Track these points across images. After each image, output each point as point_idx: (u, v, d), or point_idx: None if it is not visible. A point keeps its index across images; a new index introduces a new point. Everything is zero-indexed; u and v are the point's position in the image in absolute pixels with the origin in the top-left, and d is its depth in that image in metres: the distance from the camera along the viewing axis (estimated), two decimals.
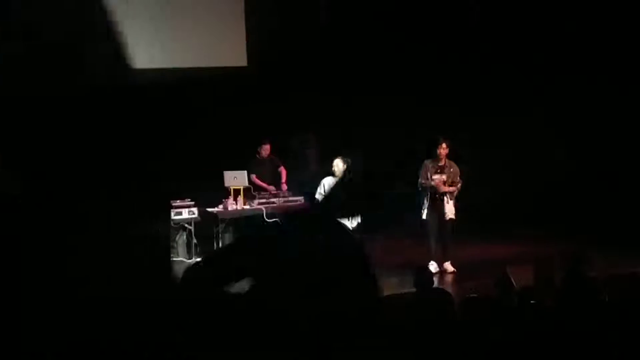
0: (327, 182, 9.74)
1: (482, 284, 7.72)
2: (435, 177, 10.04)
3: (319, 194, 9.66)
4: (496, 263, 8.82)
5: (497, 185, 12.48)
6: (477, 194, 11.98)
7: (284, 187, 12.30)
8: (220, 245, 11.68)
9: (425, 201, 10.09)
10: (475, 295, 5.03)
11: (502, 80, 12.88)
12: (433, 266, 10.08)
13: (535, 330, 3.79)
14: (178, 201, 11.57)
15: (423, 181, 10.05)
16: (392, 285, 9.40)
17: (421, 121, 12.71)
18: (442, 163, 10.06)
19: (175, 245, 11.58)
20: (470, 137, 12.32)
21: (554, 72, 12.56)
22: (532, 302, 4.83)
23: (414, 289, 9.36)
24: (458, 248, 11.17)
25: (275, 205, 11.87)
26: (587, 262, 6.20)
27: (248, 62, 13.91)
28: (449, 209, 10.11)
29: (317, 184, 10.36)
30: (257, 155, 12.33)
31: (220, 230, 11.68)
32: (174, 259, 11.42)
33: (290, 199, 12.06)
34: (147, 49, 13.61)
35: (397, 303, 5.84)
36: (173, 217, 11.41)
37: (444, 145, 10.02)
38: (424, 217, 10.14)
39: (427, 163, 10.11)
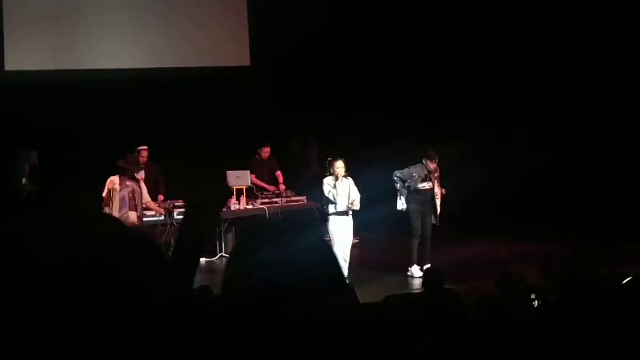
0: (329, 182, 9.81)
1: (483, 284, 7.74)
2: (422, 185, 10.19)
3: (328, 193, 9.74)
4: (497, 262, 8.84)
5: (498, 184, 12.49)
6: (476, 192, 12.01)
7: (282, 187, 12.36)
8: (222, 244, 11.73)
9: (403, 198, 10.25)
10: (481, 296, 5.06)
11: (500, 80, 12.90)
12: (416, 269, 10.14)
13: (537, 330, 3.82)
14: (181, 201, 11.58)
15: (407, 186, 10.21)
16: (393, 285, 9.45)
17: (420, 123, 12.75)
18: (427, 170, 10.21)
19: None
20: (468, 138, 12.35)
21: (550, 71, 12.58)
22: (534, 302, 4.86)
23: (414, 289, 9.53)
24: (458, 247, 11.20)
25: (277, 205, 11.91)
26: (587, 262, 6.23)
27: (251, 62, 13.94)
28: (436, 215, 10.29)
29: (316, 184, 10.47)
30: (257, 156, 12.38)
31: (222, 230, 11.70)
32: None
33: (293, 198, 12.11)
34: (151, 48, 13.64)
35: (401, 303, 5.87)
36: (176, 216, 11.42)
37: (436, 160, 10.17)
38: (399, 207, 10.29)
39: (414, 169, 10.22)
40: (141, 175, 10.49)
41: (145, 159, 11.55)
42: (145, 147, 11.62)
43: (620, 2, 12.07)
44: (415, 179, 10.16)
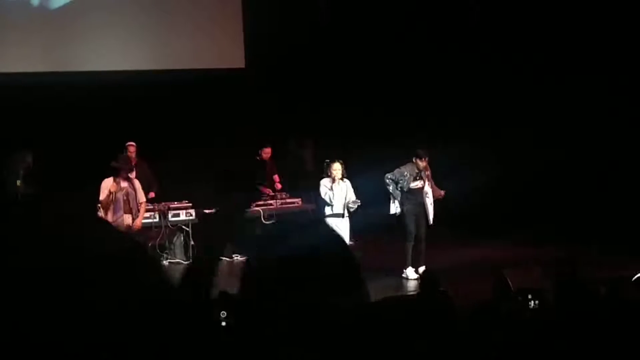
0: (325, 184, 9.84)
1: (479, 287, 7.72)
2: (414, 184, 10.15)
3: (325, 195, 9.77)
4: (492, 265, 8.83)
5: (493, 187, 12.50)
6: (471, 195, 12.01)
7: (279, 186, 12.28)
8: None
9: (397, 202, 10.21)
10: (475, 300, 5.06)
11: (498, 83, 12.91)
12: (411, 271, 10.12)
13: (533, 333, 3.82)
14: (175, 203, 11.57)
15: (400, 187, 10.17)
16: (388, 288, 9.44)
17: (417, 126, 12.75)
18: (418, 169, 10.18)
19: (172, 246, 11.58)
20: (467, 140, 12.35)
21: (546, 71, 12.59)
22: (530, 304, 4.85)
23: (409, 292, 9.53)
24: (454, 251, 11.20)
25: (272, 207, 11.90)
26: (580, 266, 6.23)
27: (246, 64, 13.93)
28: (431, 214, 10.24)
29: (311, 185, 10.48)
30: (258, 157, 12.34)
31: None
32: (171, 260, 11.43)
33: (288, 200, 12.09)
34: (146, 51, 13.62)
35: (395, 305, 5.85)
36: (170, 218, 11.41)
37: (426, 159, 10.13)
38: (392, 211, 10.26)
39: (405, 168, 10.18)
40: (132, 175, 10.43)
41: (133, 154, 11.47)
42: (132, 143, 11.57)
43: (616, 2, 12.07)
44: (407, 178, 10.12)
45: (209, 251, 1.92)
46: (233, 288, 1.78)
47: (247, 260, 1.59)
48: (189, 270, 1.81)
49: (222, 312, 3.45)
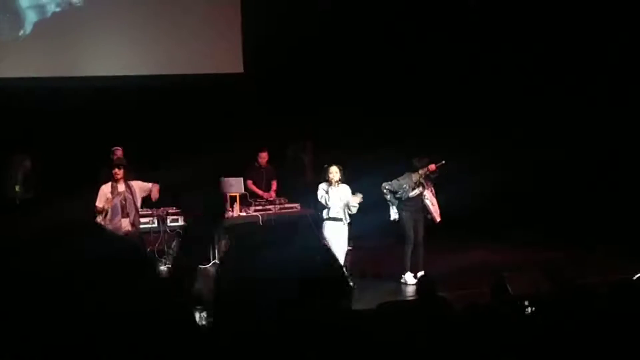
0: (323, 187, 9.85)
1: (477, 291, 7.73)
2: (413, 193, 10.15)
3: (321, 198, 9.78)
4: (491, 269, 8.83)
5: (492, 189, 12.50)
6: (470, 199, 12.01)
7: (273, 194, 12.29)
8: (216, 251, 11.71)
9: (395, 207, 10.23)
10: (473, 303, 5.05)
11: (498, 85, 12.93)
12: (410, 276, 10.14)
13: (531, 336, 3.82)
14: (174, 208, 11.56)
15: (398, 197, 10.19)
16: (387, 293, 9.44)
17: (417, 128, 12.75)
18: (416, 179, 10.17)
19: (171, 252, 11.57)
20: (466, 144, 12.36)
21: (546, 72, 12.61)
22: (527, 308, 4.86)
23: (407, 297, 9.53)
24: (453, 254, 11.21)
25: (271, 211, 11.90)
26: (583, 268, 6.24)
27: (244, 69, 13.94)
28: (436, 213, 10.23)
29: (310, 190, 10.48)
30: (255, 162, 12.36)
31: (216, 237, 11.68)
32: (169, 265, 11.41)
33: (287, 205, 12.09)
34: (144, 56, 13.63)
35: (394, 310, 5.85)
36: (169, 223, 11.40)
37: (424, 169, 10.13)
38: (392, 217, 10.29)
39: (403, 180, 10.19)
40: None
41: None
42: (119, 148, 11.47)
43: (616, 2, 12.09)
44: (406, 189, 10.14)
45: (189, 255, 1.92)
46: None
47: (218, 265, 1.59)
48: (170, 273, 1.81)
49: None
